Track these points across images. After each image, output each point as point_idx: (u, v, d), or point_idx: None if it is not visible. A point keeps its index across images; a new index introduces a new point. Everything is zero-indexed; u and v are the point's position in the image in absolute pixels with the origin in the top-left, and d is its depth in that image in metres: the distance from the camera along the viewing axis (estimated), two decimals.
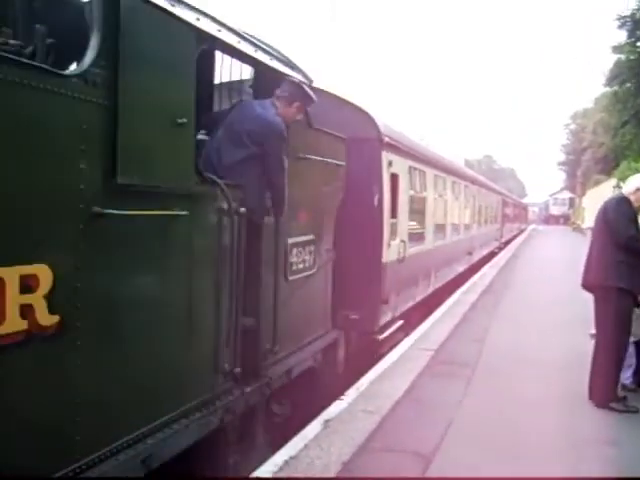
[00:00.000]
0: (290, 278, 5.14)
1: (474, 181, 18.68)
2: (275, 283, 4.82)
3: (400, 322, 8.51)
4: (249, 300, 4.44)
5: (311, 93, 4.79)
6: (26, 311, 2.53)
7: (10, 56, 2.51)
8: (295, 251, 5.24)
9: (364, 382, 6.32)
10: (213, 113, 5.05)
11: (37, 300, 2.57)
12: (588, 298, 5.99)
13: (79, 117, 2.79)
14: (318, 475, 4.11)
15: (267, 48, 4.98)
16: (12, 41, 2.67)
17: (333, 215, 6.25)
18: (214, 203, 3.92)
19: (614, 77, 39.41)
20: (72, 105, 2.74)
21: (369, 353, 7.49)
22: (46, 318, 2.62)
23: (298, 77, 5.25)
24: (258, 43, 4.83)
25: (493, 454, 4.60)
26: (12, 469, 2.51)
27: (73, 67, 3.16)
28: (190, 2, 3.58)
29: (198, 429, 3.87)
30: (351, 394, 5.91)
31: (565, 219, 78.34)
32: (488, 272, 17.50)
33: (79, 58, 2.93)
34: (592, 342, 6.00)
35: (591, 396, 5.85)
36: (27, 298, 2.53)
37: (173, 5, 3.43)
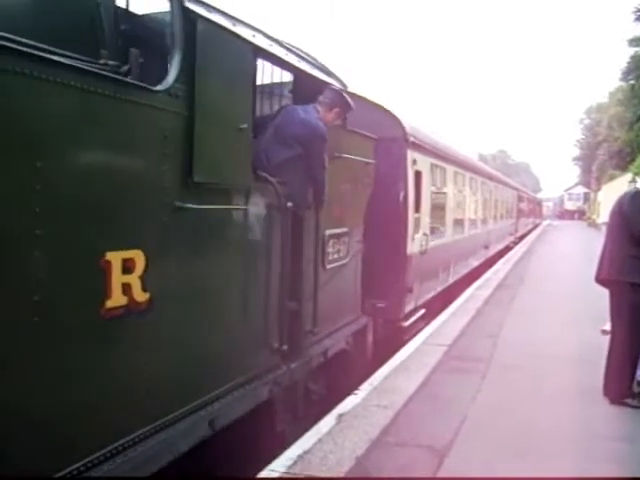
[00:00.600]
0: (327, 267, 5.63)
1: (491, 177, 19.09)
2: (315, 271, 5.31)
3: (422, 311, 9.00)
4: (293, 285, 4.93)
5: (349, 100, 5.27)
6: (126, 289, 3.03)
7: (113, 75, 3.01)
8: (331, 242, 5.72)
9: (378, 377, 6.34)
10: (259, 117, 5.53)
11: (134, 280, 3.07)
12: (603, 293, 5.95)
13: (164, 125, 3.29)
14: (333, 469, 4.12)
15: (307, 57, 5.47)
16: (111, 62, 3.16)
17: (363, 209, 6.72)
18: (266, 198, 4.41)
19: (630, 71, 39.29)
20: (159, 115, 3.25)
21: (394, 339, 7.97)
22: (140, 295, 3.12)
23: (334, 83, 5.74)
24: (299, 52, 5.32)
25: (507, 449, 4.58)
26: (120, 418, 3.02)
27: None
28: None
29: (252, 398, 4.38)
30: (365, 389, 5.93)
31: (580, 214, 78.02)
32: (502, 267, 17.50)
33: (159, 73, 3.43)
34: (605, 337, 5.97)
35: (606, 392, 5.80)
36: (127, 278, 3.03)
37: (235, 25, 3.93)
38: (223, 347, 4.00)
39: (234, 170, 3.93)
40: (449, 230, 11.47)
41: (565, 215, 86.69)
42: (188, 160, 3.43)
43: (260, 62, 5.66)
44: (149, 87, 3.18)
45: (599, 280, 5.93)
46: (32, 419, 2.53)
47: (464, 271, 13.43)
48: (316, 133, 4.87)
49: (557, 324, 9.17)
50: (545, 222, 62.25)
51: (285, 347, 4.74)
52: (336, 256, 5.88)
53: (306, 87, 5.46)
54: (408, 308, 8.20)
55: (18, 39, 2.65)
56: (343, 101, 5.22)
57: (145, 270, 3.13)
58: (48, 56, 2.59)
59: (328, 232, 5.62)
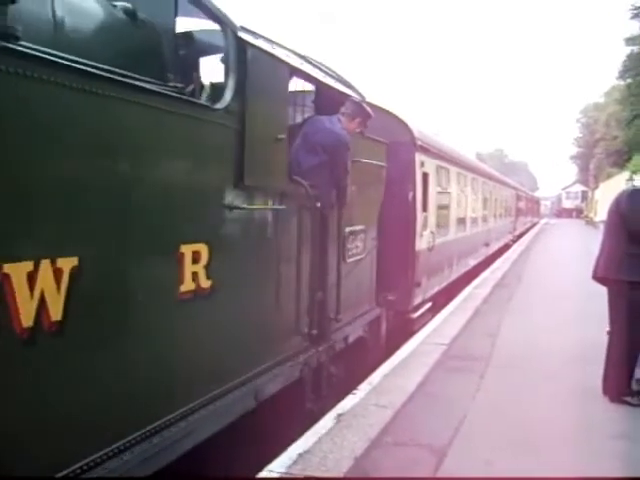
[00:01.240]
0: (347, 261, 6.21)
1: (491, 177, 19.71)
2: (337, 264, 5.89)
3: (429, 304, 9.60)
4: (319, 277, 5.51)
5: (369, 110, 5.87)
6: (194, 276, 3.61)
7: (184, 96, 3.59)
8: (350, 238, 6.30)
9: (377, 376, 6.38)
10: (289, 126, 6.11)
11: (200, 269, 3.65)
12: (601, 291, 5.96)
13: (222, 138, 3.87)
14: (332, 469, 4.15)
15: (328, 70, 6.06)
16: (179, 85, 3.73)
17: (377, 208, 7.31)
18: (299, 199, 4.99)
19: (627, 69, 39.82)
20: (218, 130, 3.83)
21: (404, 330, 8.56)
22: (205, 282, 3.70)
23: (353, 94, 6.32)
24: (322, 67, 5.90)
25: (506, 448, 4.60)
26: (187, 386, 3.60)
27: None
28: None
29: (287, 377, 4.96)
30: (364, 388, 5.97)
31: (578, 212, 78.42)
32: (501, 266, 17.63)
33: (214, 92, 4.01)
34: (604, 336, 5.96)
35: (605, 390, 5.82)
36: (195, 267, 3.60)
37: (273, 47, 4.51)
38: (266, 330, 4.58)
39: (275, 175, 4.52)
40: (453, 228, 12.09)
41: (563, 213, 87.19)
42: (240, 167, 4.00)
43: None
44: (211, 106, 3.76)
45: (596, 278, 5.96)
46: (136, 376, 3.11)
47: (466, 268, 14.04)
48: (340, 141, 5.45)
49: (555, 322, 9.22)
50: (543, 221, 62.73)
51: (315, 331, 5.33)
52: (354, 251, 6.46)
53: (327, 98, 6.05)
54: (416, 301, 8.79)
55: (102, 66, 3.21)
56: (364, 112, 5.82)
57: (208, 261, 3.71)
58: (133, 82, 3.16)
59: (348, 229, 6.19)
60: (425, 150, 9.06)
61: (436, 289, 10.28)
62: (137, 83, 3.10)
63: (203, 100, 3.88)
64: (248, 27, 4.08)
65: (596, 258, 5.98)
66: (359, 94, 6.58)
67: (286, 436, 4.80)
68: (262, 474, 4.04)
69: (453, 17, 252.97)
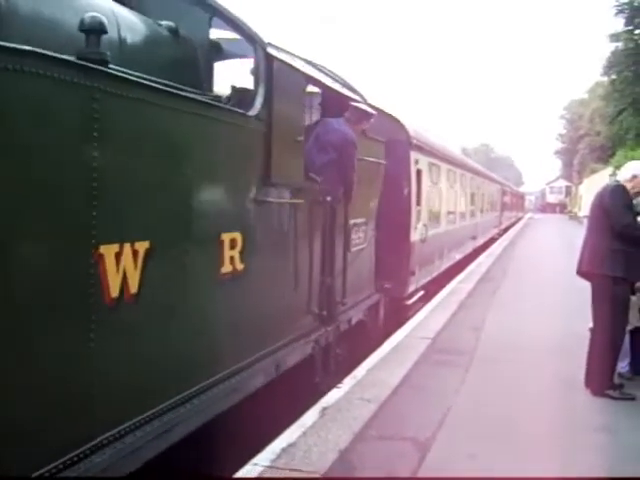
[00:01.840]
0: (351, 250, 6.82)
1: (478, 173, 20.42)
2: (343, 252, 6.50)
3: (422, 292, 10.24)
4: (328, 264, 6.11)
5: (371, 112, 6.48)
6: (231, 260, 4.20)
7: (225, 106, 4.18)
8: (354, 229, 6.91)
9: (361, 370, 6.45)
10: None
11: (236, 254, 4.24)
12: (584, 286, 6.05)
13: (253, 141, 4.46)
14: (316, 462, 4.18)
15: (333, 75, 6.65)
16: (217, 95, 4.31)
17: (376, 203, 7.92)
18: (313, 194, 5.59)
19: (611, 66, 39.70)
20: (250, 134, 4.42)
21: (399, 315, 9.19)
22: (239, 265, 4.28)
23: (356, 97, 6.92)
24: (328, 72, 6.49)
25: (490, 441, 4.65)
26: (221, 354, 4.19)
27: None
28: None
29: (302, 352, 5.57)
30: (348, 382, 6.01)
31: (562, 207, 79.21)
32: (485, 260, 17.75)
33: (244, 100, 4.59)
34: (587, 329, 6.11)
35: (587, 384, 5.90)
36: (232, 252, 4.19)
37: (293, 59, 5.09)
38: (285, 309, 5.18)
39: (294, 172, 5.12)
40: (443, 221, 12.76)
41: (547, 208, 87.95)
42: (267, 166, 4.59)
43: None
44: (245, 113, 4.35)
45: (580, 273, 6.03)
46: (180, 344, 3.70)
47: (456, 259, 14.73)
48: (348, 141, 6.06)
49: (540, 316, 9.33)
50: (527, 215, 63.52)
51: (324, 312, 5.95)
52: (357, 241, 7.07)
53: (333, 100, 6.65)
54: (411, 289, 9.43)
55: (146, 77, 3.77)
56: (366, 114, 6.43)
57: (242, 247, 4.30)
58: (188, 95, 3.74)
59: (352, 221, 6.80)
60: (419, 148, 9.70)
61: (428, 278, 10.94)
62: (191, 96, 3.69)
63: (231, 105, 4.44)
64: (274, 43, 4.67)
65: (580, 253, 6.04)
66: (361, 96, 7.18)
67: (297, 407, 5.41)
68: (246, 467, 4.07)
69: (440, 14, 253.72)
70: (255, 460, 4.15)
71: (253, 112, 4.42)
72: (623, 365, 6.19)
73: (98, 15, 2.98)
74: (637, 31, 36.27)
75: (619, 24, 37.21)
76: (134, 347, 3.24)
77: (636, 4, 35.08)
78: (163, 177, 3.44)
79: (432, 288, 11.46)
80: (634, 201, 5.82)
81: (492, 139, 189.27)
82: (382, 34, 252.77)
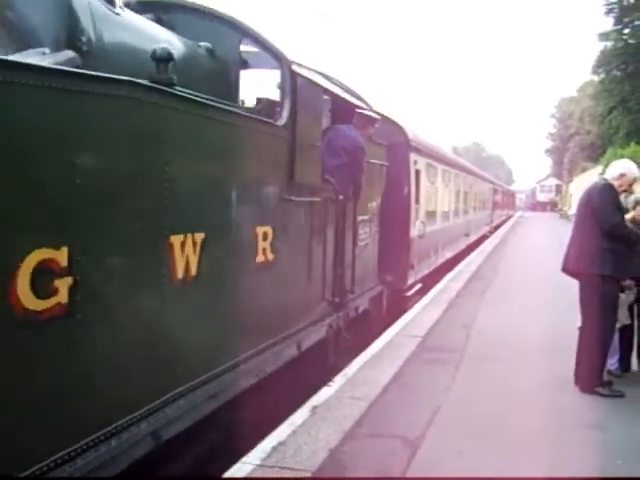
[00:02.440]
0: (358, 244, 7.49)
1: (470, 172, 21.17)
2: (352, 246, 7.17)
3: (420, 285, 10.93)
4: (339, 255, 6.78)
5: (376, 117, 7.16)
6: (264, 251, 4.85)
7: (259, 118, 4.85)
8: (361, 225, 7.59)
9: (352, 369, 6.47)
10: None
11: (268, 245, 4.90)
12: (573, 284, 6.06)
13: (280, 147, 5.12)
14: (307, 460, 4.20)
15: (342, 85, 7.32)
16: (248, 105, 4.97)
17: (379, 201, 8.60)
18: (327, 193, 6.25)
19: (600, 65, 40.17)
20: (278, 141, 5.08)
21: (399, 306, 9.87)
22: (270, 256, 4.95)
23: (362, 104, 7.60)
24: (337, 82, 7.16)
25: (480, 439, 4.67)
26: (250, 335, 4.85)
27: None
28: None
29: (318, 334, 6.24)
30: (339, 381, 6.03)
31: (552, 206, 79.78)
32: (475, 259, 17.87)
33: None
34: (576, 327, 6.13)
35: (577, 381, 5.92)
36: (264, 244, 4.85)
37: (311, 73, 5.76)
38: (305, 295, 5.85)
39: (313, 174, 5.78)
40: (439, 219, 13.47)
41: (537, 207, 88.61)
42: (291, 168, 5.25)
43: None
44: (275, 124, 5.01)
45: (567, 271, 6.05)
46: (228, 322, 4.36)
47: (450, 254, 15.45)
48: (357, 146, 6.73)
49: (530, 314, 9.37)
50: (518, 214, 64.26)
51: (337, 299, 6.62)
52: (363, 236, 7.75)
53: (341, 108, 7.32)
54: (410, 281, 10.12)
55: (190, 92, 4.40)
56: (372, 121, 7.12)
57: (273, 240, 4.96)
58: (232, 109, 4.40)
59: (359, 218, 7.48)
60: (417, 150, 10.39)
61: (425, 272, 11.63)
62: (236, 110, 4.36)
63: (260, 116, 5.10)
64: (298, 61, 5.34)
65: (566, 250, 6.07)
66: (366, 103, 7.86)
67: (312, 384, 6.06)
68: (237, 465, 4.10)
69: (433, 13, 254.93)
70: (245, 459, 4.17)
71: (281, 122, 5.08)
72: (612, 362, 6.25)
73: (167, 46, 3.64)
74: (626, 30, 37.01)
75: (608, 23, 37.77)
76: (192, 320, 3.90)
77: (625, 3, 35.87)
78: (214, 180, 4.11)
79: (428, 282, 12.15)
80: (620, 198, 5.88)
81: (483, 137, 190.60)
82: (378, 34, 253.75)
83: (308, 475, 4.00)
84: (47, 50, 3.05)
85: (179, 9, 5.46)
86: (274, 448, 4.36)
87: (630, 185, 6.00)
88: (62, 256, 2.73)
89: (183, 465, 4.11)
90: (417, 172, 10.44)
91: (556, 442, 4.65)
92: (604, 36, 38.59)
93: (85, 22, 3.44)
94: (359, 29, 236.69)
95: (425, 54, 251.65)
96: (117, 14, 3.92)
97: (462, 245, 18.36)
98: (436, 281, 12.82)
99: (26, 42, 3.30)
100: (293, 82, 5.23)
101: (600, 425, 5.08)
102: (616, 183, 5.78)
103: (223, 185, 4.22)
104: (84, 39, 3.41)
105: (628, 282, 6.05)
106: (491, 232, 30.37)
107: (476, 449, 4.48)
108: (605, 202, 5.66)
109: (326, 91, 6.40)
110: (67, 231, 2.80)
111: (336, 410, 5.21)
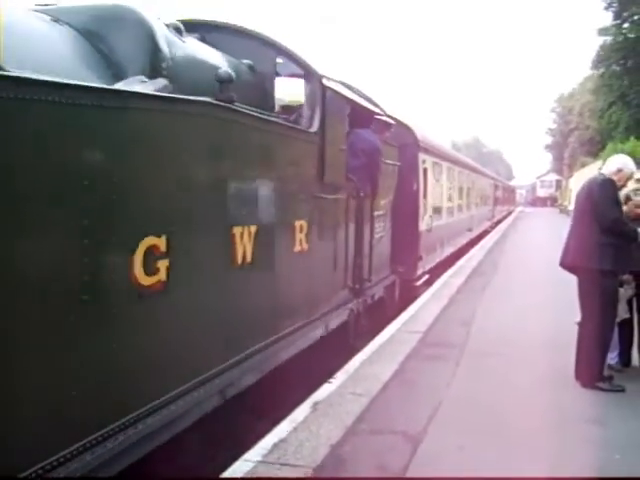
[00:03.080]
0: (375, 236, 8.25)
1: (472, 169, 21.96)
2: (370, 238, 7.92)
3: (427, 276, 11.69)
4: (359, 246, 7.52)
5: (391, 123, 7.92)
6: (300, 242, 5.60)
7: (299, 127, 5.59)
8: (377, 220, 8.34)
9: (353, 365, 6.53)
10: None
11: (303, 236, 5.64)
12: (574, 279, 6.06)
13: (313, 151, 5.87)
14: (308, 457, 4.23)
15: (359, 92, 8.06)
16: (286, 116, 5.72)
17: (391, 198, 9.35)
18: (349, 190, 7.00)
19: (600, 60, 40.07)
20: (311, 146, 5.82)
21: (409, 294, 10.63)
22: (304, 246, 5.69)
23: (377, 110, 8.35)
24: (355, 90, 7.90)
25: (481, 434, 4.68)
26: (286, 317, 5.61)
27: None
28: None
29: (341, 317, 6.99)
30: (340, 377, 6.08)
31: (552, 201, 79.94)
32: (476, 254, 17.98)
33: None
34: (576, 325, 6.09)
35: (577, 376, 5.92)
36: (301, 235, 5.60)
37: (337, 85, 6.50)
38: (331, 281, 6.61)
39: (339, 174, 6.53)
40: (444, 214, 14.24)
41: (537, 202, 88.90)
42: (321, 169, 5.99)
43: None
44: (309, 131, 5.76)
45: (565, 265, 6.07)
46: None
47: (454, 248, 16.23)
48: (375, 149, 7.49)
49: (530, 310, 9.37)
50: (518, 209, 64.84)
51: (357, 286, 7.37)
52: (379, 229, 8.50)
53: (359, 114, 8.07)
54: (419, 272, 10.88)
55: (247, 107, 5.11)
56: (388, 126, 7.88)
57: (307, 232, 5.71)
58: (277, 121, 5.16)
59: (375, 213, 8.23)
60: (425, 150, 11.17)
61: (432, 264, 12.40)
62: (282, 122, 5.12)
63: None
64: (327, 75, 6.09)
65: (565, 245, 6.09)
66: (381, 109, 8.61)
67: (337, 361, 6.81)
68: (238, 462, 4.15)
69: (433, 9, 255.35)
70: (246, 456, 4.21)
71: (313, 129, 5.84)
72: (612, 357, 6.29)
73: (228, 70, 4.38)
74: (625, 25, 37.11)
75: (608, 18, 37.87)
76: (248, 298, 4.65)
77: None
78: (264, 180, 4.86)
79: (435, 273, 12.93)
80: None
81: (483, 133, 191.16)
82: (378, 29, 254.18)
83: (309, 472, 4.02)
84: (144, 78, 3.78)
85: (219, 29, 6.20)
86: (275, 445, 4.39)
87: (627, 180, 6.02)
88: (162, 243, 3.48)
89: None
90: (425, 170, 11.20)
91: (556, 437, 4.65)
92: (603, 31, 38.67)
93: (165, 51, 4.18)
94: (359, 25, 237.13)
95: (425, 49, 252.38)
96: (183, 42, 4.67)
97: (465, 239, 19.13)
98: (440, 274, 13.57)
99: (118, 70, 4.04)
100: (323, 94, 5.98)
101: (601, 420, 5.09)
102: (615, 178, 5.80)
103: (271, 185, 4.97)
104: (164, 65, 4.15)
105: (627, 276, 6.09)
106: (492, 227, 31.08)
107: (477, 444, 4.50)
108: (605, 197, 5.66)
109: (349, 100, 7.15)
110: (165, 223, 3.54)
111: (337, 406, 5.25)
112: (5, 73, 2.54)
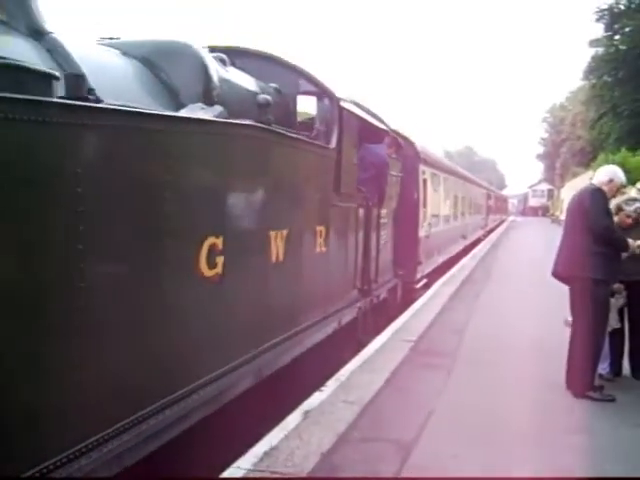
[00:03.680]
0: (380, 242, 9.00)
1: (467, 179, 22.81)
2: (376, 243, 8.68)
3: (425, 280, 12.45)
4: (366, 250, 8.27)
5: (400, 142, 8.71)
6: (320, 245, 6.34)
7: (321, 144, 6.35)
8: (382, 226, 9.10)
9: (344, 372, 6.52)
10: None
11: (322, 240, 6.38)
12: (566, 288, 6.06)
13: (330, 164, 6.61)
14: (299, 465, 4.22)
15: (367, 109, 8.82)
16: (307, 133, 6.47)
17: (394, 206, 10.12)
18: (359, 200, 7.76)
19: (591, 71, 40.68)
20: (330, 160, 6.57)
21: (409, 297, 11.39)
22: (323, 248, 6.43)
23: (384, 126, 9.12)
24: (363, 107, 8.66)
25: (472, 443, 4.69)
26: (307, 309, 6.34)
27: None
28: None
29: (352, 314, 7.73)
30: (331, 385, 6.06)
31: (544, 210, 79.99)
32: (468, 263, 17.99)
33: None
34: (568, 330, 6.10)
35: (569, 385, 5.92)
36: (320, 239, 6.33)
37: (350, 105, 7.25)
38: (343, 281, 7.35)
39: (352, 185, 7.29)
40: (441, 222, 15.04)
41: (529, 211, 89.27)
42: (338, 181, 6.74)
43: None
44: (326, 146, 6.51)
45: (557, 275, 6.08)
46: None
47: (450, 254, 17.03)
48: (383, 162, 8.27)
49: (522, 319, 9.42)
50: (510, 218, 65.47)
51: (366, 287, 8.12)
52: (383, 235, 9.26)
53: (368, 130, 8.83)
54: (418, 276, 11.65)
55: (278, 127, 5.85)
56: (397, 143, 8.67)
57: (325, 236, 6.45)
58: (303, 138, 5.92)
59: (382, 221, 8.99)
60: (425, 161, 11.97)
61: (429, 269, 13.17)
62: (306, 139, 5.89)
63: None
64: (342, 97, 6.85)
65: (556, 255, 6.13)
66: (387, 125, 9.40)
67: (347, 352, 7.53)
68: (229, 470, 4.13)
69: (425, 18, 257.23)
70: (237, 463, 4.21)
71: (332, 145, 6.60)
72: (604, 367, 6.29)
73: (266, 96, 5.14)
74: (617, 37, 37.64)
75: (599, 30, 38.35)
76: (281, 291, 5.39)
77: (616, 10, 36.53)
78: (292, 191, 5.61)
79: (432, 277, 13.71)
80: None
81: (475, 142, 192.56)
82: (371, 39, 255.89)
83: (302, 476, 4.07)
84: (203, 105, 4.52)
85: (247, 55, 6.93)
86: (266, 453, 4.37)
87: (617, 191, 6.08)
88: (220, 242, 4.22)
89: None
90: (424, 180, 12.00)
91: (547, 446, 4.69)
92: (595, 42, 39.29)
93: (215, 80, 4.93)
94: (353, 31, 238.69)
95: (418, 57, 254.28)
96: (227, 71, 5.42)
97: (460, 246, 19.95)
98: (436, 278, 14.34)
99: (175, 97, 4.78)
100: (340, 114, 6.74)
101: (591, 430, 5.11)
102: (606, 188, 5.84)
103: (297, 195, 5.72)
104: (215, 93, 4.89)
105: (617, 286, 6.11)
106: (485, 235, 31.87)
107: (469, 453, 4.51)
108: (596, 206, 5.69)
109: (360, 118, 7.91)
110: (222, 226, 4.28)
111: (329, 414, 5.22)
112: (127, 109, 3.30)
